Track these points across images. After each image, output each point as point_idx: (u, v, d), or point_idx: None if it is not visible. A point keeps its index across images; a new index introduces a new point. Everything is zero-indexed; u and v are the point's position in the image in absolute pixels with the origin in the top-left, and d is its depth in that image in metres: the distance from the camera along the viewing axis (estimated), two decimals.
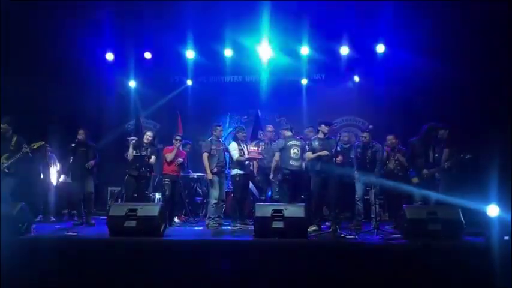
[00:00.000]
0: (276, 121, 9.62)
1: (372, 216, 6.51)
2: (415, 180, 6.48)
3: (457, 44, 8.00)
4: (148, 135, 7.33)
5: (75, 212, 7.76)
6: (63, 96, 9.13)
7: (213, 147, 6.99)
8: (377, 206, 6.30)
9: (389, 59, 9.19)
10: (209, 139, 7.16)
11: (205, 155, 6.94)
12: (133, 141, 7.13)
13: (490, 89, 7.45)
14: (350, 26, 8.50)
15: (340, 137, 6.50)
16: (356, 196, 6.89)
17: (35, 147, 6.54)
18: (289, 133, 7.00)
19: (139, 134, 8.27)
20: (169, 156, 7.34)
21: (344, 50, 9.26)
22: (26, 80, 8.05)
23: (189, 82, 10.39)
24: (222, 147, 7.12)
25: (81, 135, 7.15)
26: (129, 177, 7.08)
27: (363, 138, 6.95)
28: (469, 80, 7.87)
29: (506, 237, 4.83)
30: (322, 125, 6.55)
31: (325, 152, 6.34)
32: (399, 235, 5.42)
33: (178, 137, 7.55)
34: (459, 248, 4.86)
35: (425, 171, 6.39)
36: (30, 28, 8.07)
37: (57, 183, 8.14)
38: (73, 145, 7.13)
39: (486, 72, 7.51)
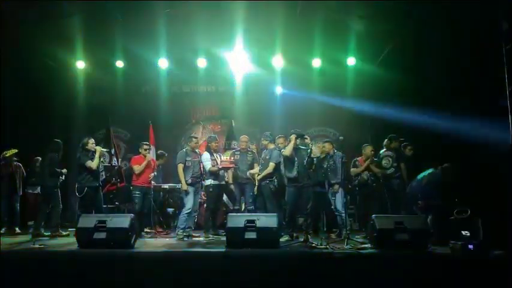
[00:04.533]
0: (249, 131, 9.62)
1: (342, 226, 6.61)
2: None
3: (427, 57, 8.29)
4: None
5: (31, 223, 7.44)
6: (31, 104, 8.93)
7: (188, 158, 6.90)
8: (346, 215, 6.38)
9: (360, 72, 9.46)
10: (184, 150, 7.09)
11: (180, 166, 6.84)
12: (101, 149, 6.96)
13: (457, 102, 7.67)
14: (322, 39, 8.68)
15: (311, 146, 6.58)
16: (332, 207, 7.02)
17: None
18: (271, 145, 7.04)
19: (109, 144, 8.12)
20: (138, 168, 7.20)
21: (316, 62, 9.48)
22: None
23: (162, 91, 10.26)
24: (198, 159, 7.02)
25: None
26: (88, 189, 6.67)
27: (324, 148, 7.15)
28: (437, 92, 8.12)
29: (470, 246, 5.02)
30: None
31: (293, 136, 6.48)
32: (369, 245, 5.52)
33: (146, 146, 7.41)
34: (425, 258, 5.00)
35: None
36: None
37: (23, 193, 7.86)
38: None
39: (455, 85, 7.75)
